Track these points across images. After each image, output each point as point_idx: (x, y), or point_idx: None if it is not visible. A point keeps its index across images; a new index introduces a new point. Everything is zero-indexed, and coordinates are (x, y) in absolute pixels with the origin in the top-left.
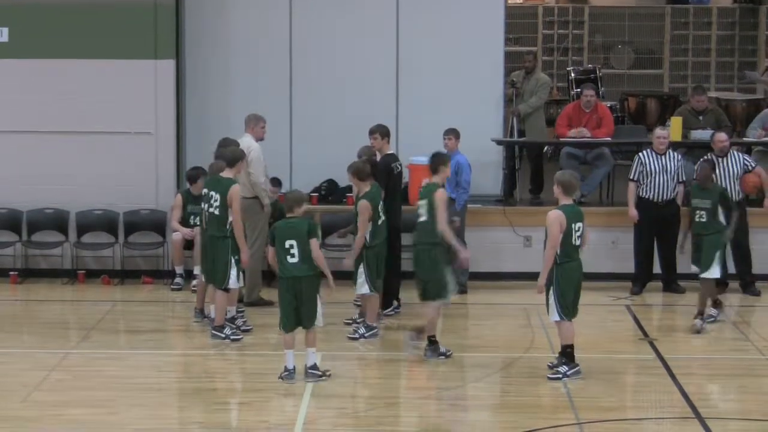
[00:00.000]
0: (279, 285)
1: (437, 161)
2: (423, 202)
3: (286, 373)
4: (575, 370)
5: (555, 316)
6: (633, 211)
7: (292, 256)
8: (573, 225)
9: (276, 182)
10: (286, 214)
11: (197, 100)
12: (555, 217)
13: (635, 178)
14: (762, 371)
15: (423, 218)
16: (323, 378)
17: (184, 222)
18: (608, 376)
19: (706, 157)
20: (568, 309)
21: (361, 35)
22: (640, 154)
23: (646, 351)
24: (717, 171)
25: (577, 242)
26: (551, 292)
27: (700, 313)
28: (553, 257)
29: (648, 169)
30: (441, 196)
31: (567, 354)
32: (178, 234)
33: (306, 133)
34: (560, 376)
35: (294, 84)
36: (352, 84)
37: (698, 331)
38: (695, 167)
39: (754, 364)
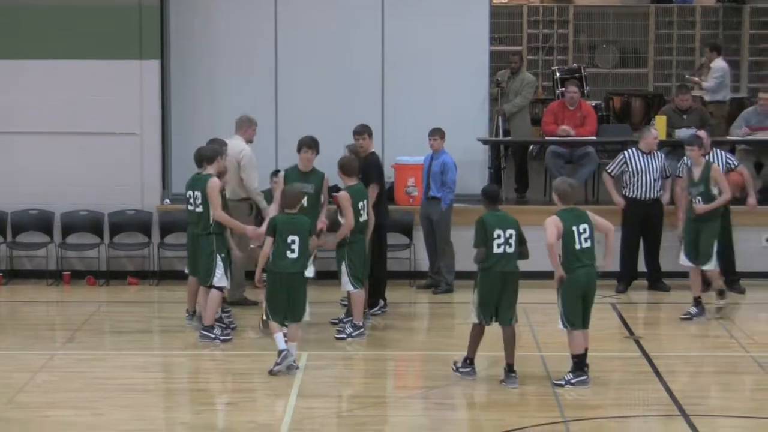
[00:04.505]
0: (271, 279)
1: None
2: None
3: (282, 354)
4: (581, 379)
5: (559, 325)
6: (618, 198)
7: (293, 251)
8: (575, 228)
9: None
10: (285, 210)
11: (182, 100)
12: (549, 220)
13: (613, 174)
14: (746, 368)
15: None
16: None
17: None
18: (594, 374)
19: None
20: (574, 319)
21: (347, 35)
22: (626, 153)
23: (631, 349)
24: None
25: (586, 244)
26: (558, 299)
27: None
28: (555, 258)
29: (634, 168)
30: None
31: (574, 363)
32: None
33: (291, 134)
34: (563, 382)
35: (279, 84)
36: (338, 84)
37: None
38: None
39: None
